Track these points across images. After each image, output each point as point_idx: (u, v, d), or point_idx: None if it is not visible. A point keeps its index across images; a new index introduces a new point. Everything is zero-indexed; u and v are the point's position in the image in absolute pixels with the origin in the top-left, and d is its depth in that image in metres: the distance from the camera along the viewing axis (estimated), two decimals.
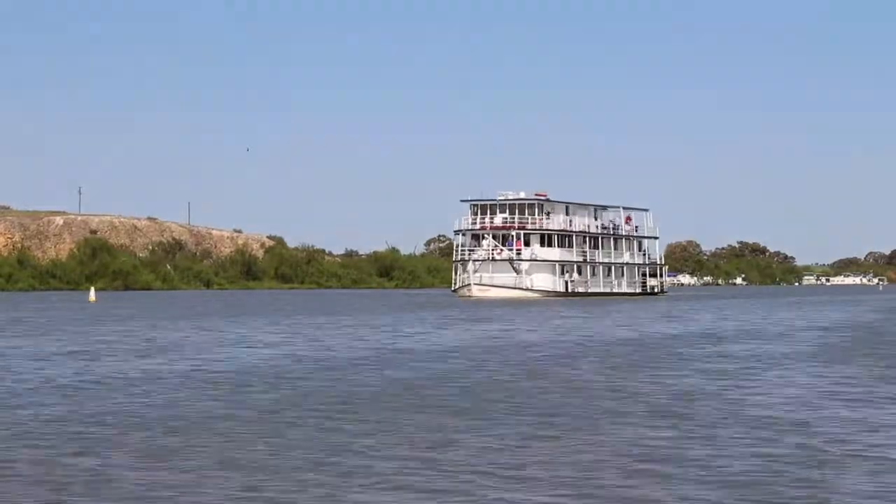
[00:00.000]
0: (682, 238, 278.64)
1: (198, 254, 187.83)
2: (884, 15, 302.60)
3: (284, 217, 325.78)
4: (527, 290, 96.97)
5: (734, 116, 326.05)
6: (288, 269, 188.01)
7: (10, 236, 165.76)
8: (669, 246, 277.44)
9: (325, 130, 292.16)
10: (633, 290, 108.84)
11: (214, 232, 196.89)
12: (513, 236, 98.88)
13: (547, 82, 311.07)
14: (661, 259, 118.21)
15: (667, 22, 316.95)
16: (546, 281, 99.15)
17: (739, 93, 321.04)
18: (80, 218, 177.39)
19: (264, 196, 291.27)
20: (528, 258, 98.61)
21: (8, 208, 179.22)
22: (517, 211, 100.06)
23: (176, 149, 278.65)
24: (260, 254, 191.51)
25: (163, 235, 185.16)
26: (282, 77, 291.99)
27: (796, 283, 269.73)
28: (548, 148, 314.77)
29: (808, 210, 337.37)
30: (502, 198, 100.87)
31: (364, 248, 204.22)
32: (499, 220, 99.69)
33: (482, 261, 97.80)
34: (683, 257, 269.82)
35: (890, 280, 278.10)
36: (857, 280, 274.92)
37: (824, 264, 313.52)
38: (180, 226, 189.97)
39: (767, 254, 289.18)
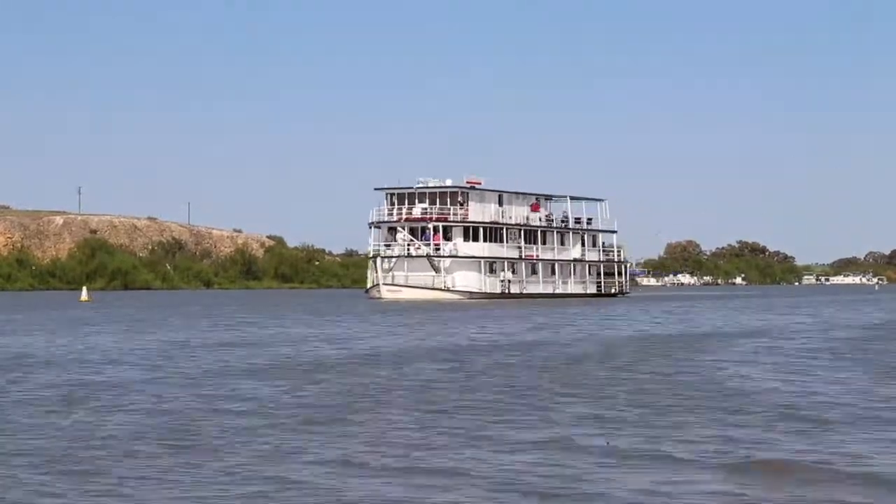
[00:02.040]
0: (682, 238, 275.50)
1: (198, 253, 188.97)
2: (884, 15, 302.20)
3: (284, 217, 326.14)
4: (447, 290, 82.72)
5: (734, 116, 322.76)
6: (288, 269, 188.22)
7: (10, 236, 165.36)
8: (669, 246, 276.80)
9: (324, 130, 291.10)
10: (584, 291, 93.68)
11: (214, 232, 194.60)
12: (430, 229, 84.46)
13: (547, 79, 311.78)
14: (621, 255, 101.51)
15: (668, 21, 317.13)
16: (470, 280, 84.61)
17: (739, 92, 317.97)
18: (80, 218, 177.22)
19: (264, 196, 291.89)
20: (449, 254, 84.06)
21: (8, 208, 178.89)
22: (438, 200, 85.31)
23: (176, 149, 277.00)
24: (260, 253, 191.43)
25: (163, 235, 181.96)
26: (282, 77, 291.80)
27: (796, 283, 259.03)
28: (551, 148, 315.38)
29: (808, 210, 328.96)
30: (421, 185, 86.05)
31: (364, 248, 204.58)
32: (417, 210, 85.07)
33: (396, 257, 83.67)
34: (683, 257, 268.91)
35: (889, 280, 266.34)
36: (857, 280, 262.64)
37: (824, 264, 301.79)
38: (180, 226, 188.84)
39: (767, 253, 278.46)
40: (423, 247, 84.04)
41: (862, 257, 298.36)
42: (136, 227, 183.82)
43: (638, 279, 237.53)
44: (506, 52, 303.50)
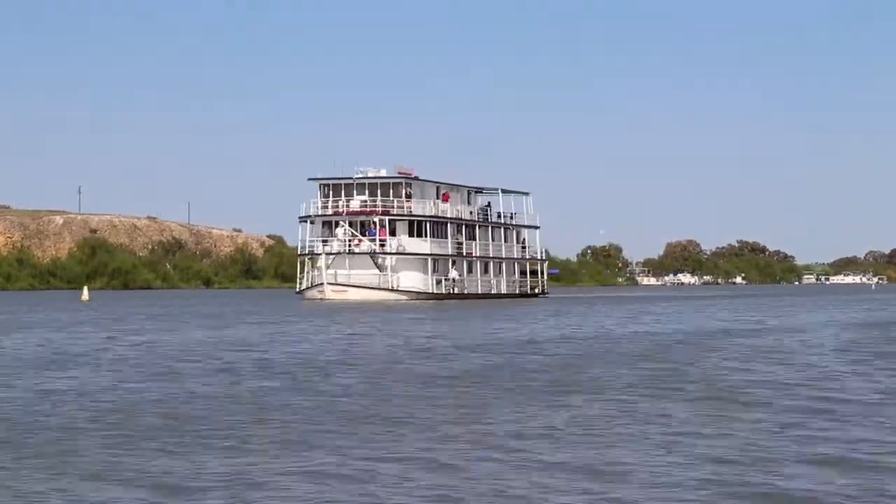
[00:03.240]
0: (682, 237, 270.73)
1: (197, 253, 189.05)
2: (884, 15, 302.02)
3: (284, 217, 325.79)
4: (393, 290, 74.87)
5: (734, 116, 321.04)
6: (288, 269, 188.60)
7: (10, 236, 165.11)
8: (669, 245, 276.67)
9: (325, 130, 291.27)
10: (513, 291, 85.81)
11: (214, 231, 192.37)
12: (375, 223, 75.83)
13: (547, 79, 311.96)
14: (542, 253, 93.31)
15: (668, 21, 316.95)
16: (415, 280, 76.47)
17: (739, 92, 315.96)
18: (80, 217, 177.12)
19: (264, 196, 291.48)
20: (395, 251, 75.88)
21: (8, 208, 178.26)
22: (379, 192, 76.79)
23: (176, 149, 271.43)
24: (260, 253, 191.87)
25: (162, 235, 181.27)
26: (282, 77, 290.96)
27: (796, 283, 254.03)
28: (550, 148, 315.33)
29: (808, 209, 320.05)
30: (360, 176, 77.46)
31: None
32: (356, 203, 76.63)
33: (336, 254, 74.98)
34: (683, 257, 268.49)
35: (890, 279, 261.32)
36: (857, 279, 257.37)
37: (824, 263, 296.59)
38: (180, 225, 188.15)
39: (767, 253, 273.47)
40: (367, 242, 75.91)
41: (862, 257, 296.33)
42: (136, 226, 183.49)
43: (638, 278, 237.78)
44: (506, 52, 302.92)
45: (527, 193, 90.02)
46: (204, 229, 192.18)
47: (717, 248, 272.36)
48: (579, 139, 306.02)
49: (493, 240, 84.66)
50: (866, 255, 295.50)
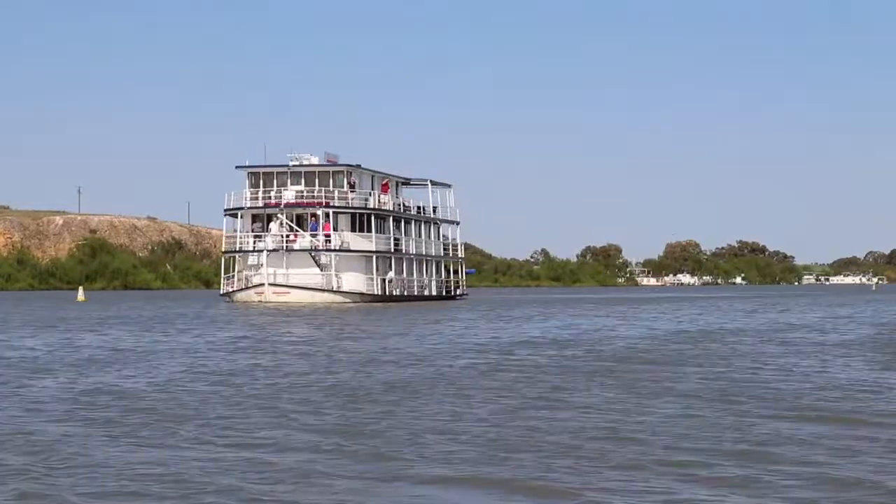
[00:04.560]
0: (682, 238, 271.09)
1: (197, 253, 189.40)
2: (884, 15, 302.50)
3: None
4: (336, 291, 67.24)
5: (734, 116, 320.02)
6: None
7: (9, 236, 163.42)
8: (669, 245, 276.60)
9: (324, 130, 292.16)
10: (441, 292, 78.73)
11: (214, 231, 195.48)
12: (317, 216, 68.25)
13: (547, 79, 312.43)
14: (461, 251, 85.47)
15: (668, 21, 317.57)
16: (357, 281, 68.62)
17: (739, 92, 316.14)
18: (79, 218, 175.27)
19: None
20: (339, 247, 68.15)
21: (8, 208, 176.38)
22: (317, 181, 69.15)
23: (176, 149, 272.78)
24: None
25: (162, 235, 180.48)
26: (282, 76, 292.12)
27: (795, 283, 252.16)
28: (550, 147, 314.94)
29: (808, 209, 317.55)
30: (295, 163, 69.79)
31: None
32: (290, 193, 68.78)
33: (272, 251, 67.24)
34: (683, 257, 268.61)
35: (889, 279, 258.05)
36: (857, 279, 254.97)
37: (824, 264, 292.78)
38: (180, 225, 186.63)
39: (767, 253, 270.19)
40: (308, 238, 68.04)
41: (862, 257, 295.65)
42: (135, 227, 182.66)
43: (638, 279, 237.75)
44: (506, 52, 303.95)
45: (449, 186, 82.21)
46: (204, 229, 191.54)
47: (717, 248, 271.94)
48: (579, 139, 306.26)
49: (420, 236, 76.97)
50: (866, 255, 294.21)
